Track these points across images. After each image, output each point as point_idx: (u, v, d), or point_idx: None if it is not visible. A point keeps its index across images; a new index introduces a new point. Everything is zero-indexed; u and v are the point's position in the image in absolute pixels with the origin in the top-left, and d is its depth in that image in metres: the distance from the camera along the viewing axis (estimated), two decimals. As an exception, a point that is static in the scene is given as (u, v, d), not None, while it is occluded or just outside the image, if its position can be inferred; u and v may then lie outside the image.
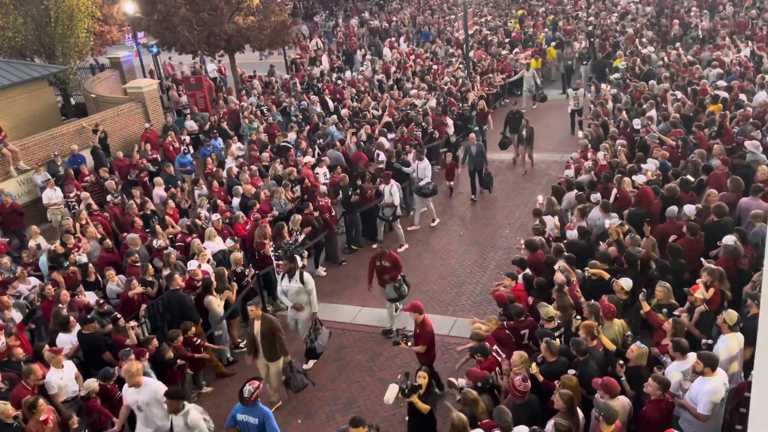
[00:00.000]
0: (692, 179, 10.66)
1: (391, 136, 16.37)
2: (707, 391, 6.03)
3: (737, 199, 9.75)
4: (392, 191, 13.02)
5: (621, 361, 6.68)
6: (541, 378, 6.70)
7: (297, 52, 29.10)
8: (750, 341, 6.67)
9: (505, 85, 22.93)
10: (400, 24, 34.31)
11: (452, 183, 15.54)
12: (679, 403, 6.25)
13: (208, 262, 10.48)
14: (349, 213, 13.31)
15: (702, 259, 8.45)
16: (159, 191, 14.05)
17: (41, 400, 7.23)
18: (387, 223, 13.33)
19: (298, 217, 11.76)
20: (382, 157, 14.81)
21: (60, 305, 9.21)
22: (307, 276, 9.44)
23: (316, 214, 12.44)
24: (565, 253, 8.96)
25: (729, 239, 8.33)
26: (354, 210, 13.23)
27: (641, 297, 7.66)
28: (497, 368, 7.25)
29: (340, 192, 13.38)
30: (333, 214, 12.92)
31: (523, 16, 32.18)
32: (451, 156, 15.44)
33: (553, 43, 25.52)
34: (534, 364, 6.81)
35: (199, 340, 9.13)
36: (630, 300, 8.13)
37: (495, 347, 7.61)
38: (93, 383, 7.78)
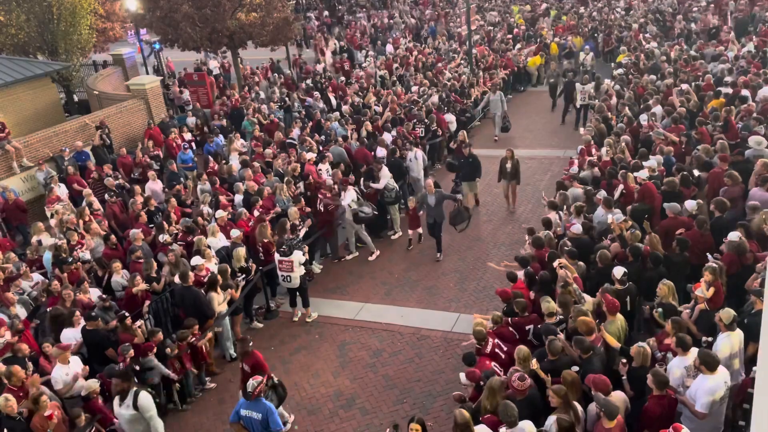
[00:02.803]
0: (695, 174, 10.64)
1: (394, 133, 16.35)
2: (706, 390, 6.03)
3: (740, 191, 9.73)
4: (344, 196, 12.66)
5: (624, 360, 6.68)
6: (542, 374, 6.70)
7: (317, 54, 28.95)
8: (754, 337, 6.65)
9: (508, 82, 22.88)
10: (400, 20, 34.22)
11: (417, 231, 13.10)
12: (680, 399, 6.26)
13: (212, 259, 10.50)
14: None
15: (708, 255, 8.42)
16: (152, 185, 14.11)
17: (45, 396, 7.28)
18: (396, 204, 13.15)
19: (294, 210, 11.78)
20: (383, 153, 14.80)
21: (59, 306, 9.24)
22: (143, 399, 7.48)
23: (308, 209, 12.47)
24: (567, 248, 8.95)
25: (734, 235, 8.29)
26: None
27: (656, 314, 7.60)
28: (492, 364, 7.26)
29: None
30: (335, 207, 12.90)
31: (537, 15, 31.52)
32: (414, 201, 12.90)
33: (556, 40, 25.40)
34: (534, 360, 6.81)
35: (195, 339, 9.15)
36: (633, 299, 8.11)
37: (496, 341, 7.62)
38: (94, 384, 7.79)
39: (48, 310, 9.26)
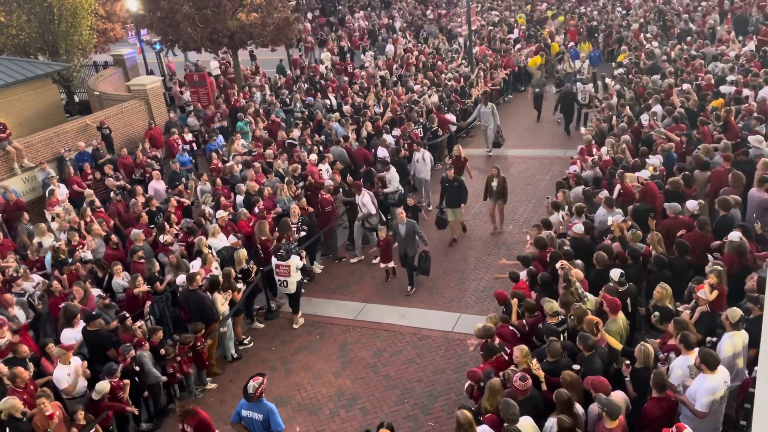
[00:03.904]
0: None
1: (395, 132, 16.34)
2: (706, 389, 6.04)
3: (739, 194, 9.72)
4: (364, 201, 12.19)
5: (627, 361, 6.66)
6: (542, 375, 6.69)
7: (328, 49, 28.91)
8: (754, 343, 6.64)
9: (508, 82, 22.86)
10: (400, 20, 34.20)
11: (390, 265, 11.98)
12: (679, 399, 6.27)
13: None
14: (351, 209, 13.28)
15: (709, 255, 8.41)
16: (156, 184, 14.13)
17: (44, 398, 7.29)
18: (370, 232, 12.51)
19: (296, 208, 11.78)
20: (384, 153, 14.80)
21: (69, 302, 9.25)
22: None
23: (310, 209, 12.47)
24: (565, 248, 8.95)
25: (734, 235, 8.28)
26: (356, 206, 13.16)
27: (654, 319, 7.58)
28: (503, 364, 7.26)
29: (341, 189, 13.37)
30: (335, 208, 12.90)
31: (546, 19, 30.59)
32: (384, 231, 11.78)
33: (558, 39, 25.33)
34: (535, 361, 6.81)
35: (201, 345, 9.16)
36: (633, 300, 8.10)
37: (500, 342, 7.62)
38: (106, 386, 7.81)
39: (62, 305, 9.23)
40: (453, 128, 17.67)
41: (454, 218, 12.91)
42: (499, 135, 17.65)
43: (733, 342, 6.64)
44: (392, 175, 13.37)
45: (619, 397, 6.22)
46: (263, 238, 11.18)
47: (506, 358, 7.41)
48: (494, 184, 12.76)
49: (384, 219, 12.74)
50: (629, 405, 6.39)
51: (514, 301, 8.22)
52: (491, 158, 17.54)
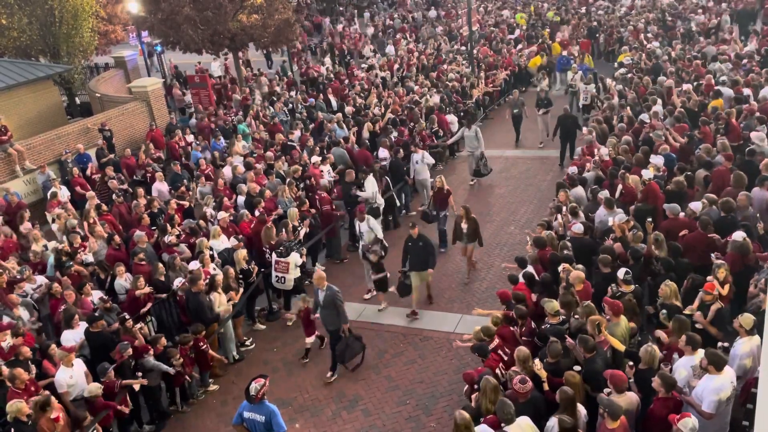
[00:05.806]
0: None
1: (395, 133, 16.35)
2: (712, 390, 6.02)
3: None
4: (371, 225, 11.04)
5: (631, 363, 6.66)
6: (544, 375, 6.69)
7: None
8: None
9: (509, 81, 22.86)
10: (400, 21, 34.21)
11: (310, 339, 9.99)
12: (686, 399, 6.25)
13: (212, 259, 10.48)
14: (352, 209, 13.26)
15: (711, 255, 8.41)
16: (159, 185, 14.15)
17: (53, 399, 7.31)
18: (370, 263, 10.99)
19: (294, 210, 11.76)
20: (385, 154, 14.80)
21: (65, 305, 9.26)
22: None
23: (313, 210, 12.46)
24: (565, 252, 8.94)
25: (738, 235, 8.27)
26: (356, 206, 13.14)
27: (662, 316, 7.55)
28: (500, 365, 7.25)
29: (344, 188, 13.35)
30: (334, 208, 12.89)
31: (554, 23, 29.49)
32: (307, 301, 9.95)
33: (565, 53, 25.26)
34: (537, 360, 6.81)
35: (204, 345, 9.17)
36: (638, 302, 8.10)
37: (498, 342, 7.62)
38: (96, 389, 7.83)
39: (61, 308, 9.23)
40: (455, 129, 17.63)
41: (420, 281, 10.79)
42: (483, 164, 15.55)
43: (743, 347, 6.63)
44: (369, 182, 12.74)
45: (626, 398, 6.21)
46: (272, 242, 11.13)
47: (505, 358, 7.42)
48: (464, 226, 11.26)
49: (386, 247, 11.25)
50: (639, 408, 6.37)
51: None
52: (473, 186, 16.11)
